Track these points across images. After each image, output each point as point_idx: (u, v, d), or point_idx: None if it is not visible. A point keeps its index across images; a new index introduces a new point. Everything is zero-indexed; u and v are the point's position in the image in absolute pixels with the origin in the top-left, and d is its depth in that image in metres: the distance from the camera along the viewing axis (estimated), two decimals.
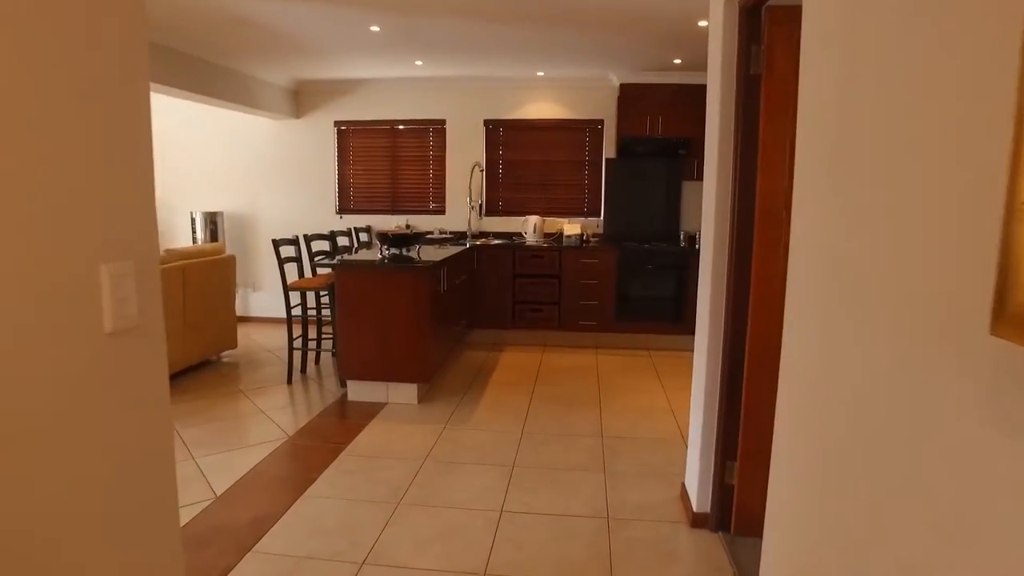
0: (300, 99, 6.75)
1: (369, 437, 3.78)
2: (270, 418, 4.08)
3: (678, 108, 5.87)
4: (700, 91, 6.15)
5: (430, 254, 4.99)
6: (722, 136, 2.65)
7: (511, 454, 3.55)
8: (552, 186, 6.57)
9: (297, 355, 5.07)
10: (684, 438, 3.84)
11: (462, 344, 6.04)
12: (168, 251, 4.81)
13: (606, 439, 3.80)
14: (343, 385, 4.64)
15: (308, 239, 5.19)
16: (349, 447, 3.63)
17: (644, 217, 6.43)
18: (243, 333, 6.44)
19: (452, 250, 5.27)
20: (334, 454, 3.53)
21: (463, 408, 4.30)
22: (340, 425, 3.98)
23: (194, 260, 4.99)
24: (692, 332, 6.10)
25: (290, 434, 3.82)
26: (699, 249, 5.52)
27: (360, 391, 4.42)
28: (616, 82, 6.10)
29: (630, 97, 5.92)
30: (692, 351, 5.94)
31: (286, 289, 4.76)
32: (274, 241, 4.67)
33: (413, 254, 4.87)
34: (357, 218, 6.82)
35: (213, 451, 3.55)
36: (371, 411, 4.22)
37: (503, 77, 6.33)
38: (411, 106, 6.62)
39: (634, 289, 5.92)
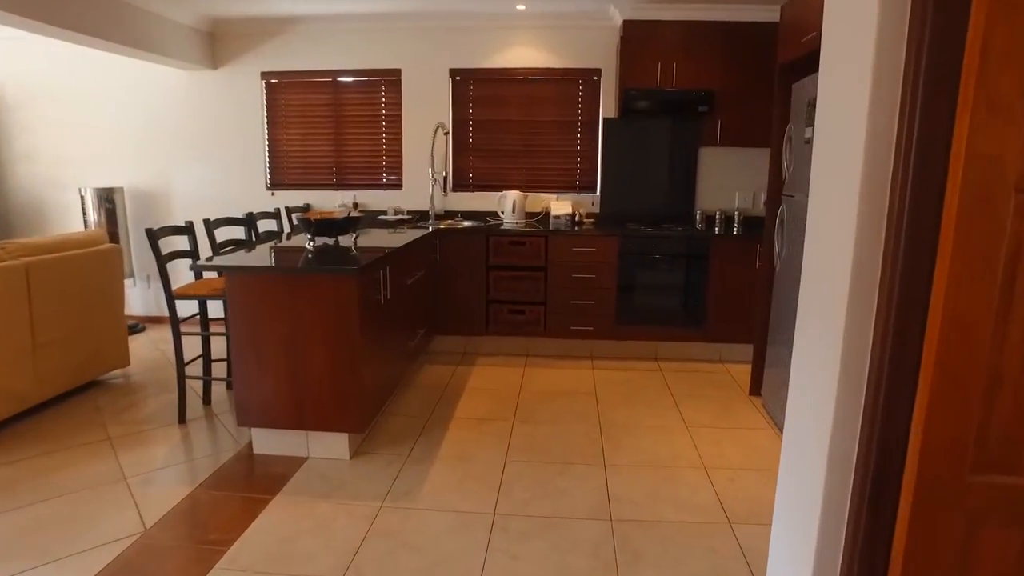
0: (217, 44, 5.34)
1: (266, 529, 2.53)
2: (131, 492, 2.81)
3: (697, 52, 4.57)
4: (727, 30, 4.56)
5: (378, 241, 3.69)
6: (879, 42, 1.38)
7: (477, 561, 2.33)
8: (536, 153, 5.27)
9: (197, 383, 3.81)
10: (729, 520, 2.64)
11: (420, 359, 4.77)
12: (2, 245, 3.46)
13: (617, 525, 2.59)
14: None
15: (210, 225, 3.86)
16: (230, 553, 2.38)
17: (652, 193, 5.16)
18: (151, 341, 5.12)
19: (406, 237, 3.98)
20: (202, 570, 2.28)
21: (413, 467, 3.06)
22: (229, 505, 2.72)
23: (50, 255, 3.65)
24: (712, 339, 4.88)
25: (148, 525, 2.56)
26: (717, 233, 4.19)
27: (270, 441, 3.16)
28: (618, 19, 4.77)
29: (636, 39, 4.61)
30: (712, 361, 4.74)
31: (170, 298, 3.45)
32: (149, 231, 3.34)
33: (350, 244, 3.57)
34: (293, 195, 5.48)
35: (10, 565, 2.28)
36: (282, 473, 2.97)
37: (474, 13, 4.97)
38: (358, 52, 5.24)
39: (639, 285, 4.68)
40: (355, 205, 5.38)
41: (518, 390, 4.14)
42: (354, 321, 2.93)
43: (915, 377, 1.40)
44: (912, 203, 1.33)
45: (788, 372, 3.43)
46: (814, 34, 3.04)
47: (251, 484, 2.87)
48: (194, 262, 3.17)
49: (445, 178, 5.31)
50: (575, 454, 3.23)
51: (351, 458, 3.14)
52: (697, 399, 4.00)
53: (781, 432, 3.50)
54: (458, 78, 5.22)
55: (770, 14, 4.43)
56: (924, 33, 1.31)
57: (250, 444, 3.23)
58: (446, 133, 5.25)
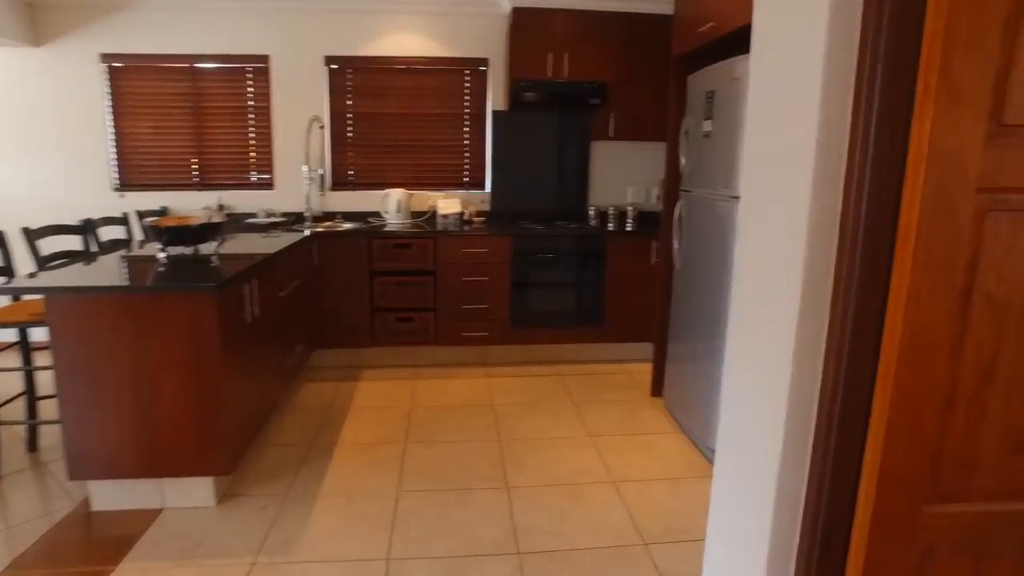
0: (38, 15, 4.56)
1: None
2: None
3: (589, 43, 4.41)
4: (620, 20, 4.33)
5: (245, 248, 3.22)
6: (831, 25, 1.19)
7: None
8: (421, 149, 4.93)
9: (19, 428, 3.16)
10: (644, 540, 2.46)
11: (299, 378, 4.32)
12: None
13: (527, 559, 2.34)
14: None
15: (32, 235, 3.22)
16: None
17: (544, 189, 4.97)
18: None
19: (279, 242, 3.53)
20: None
21: (293, 508, 2.66)
22: None
23: None
24: (611, 339, 4.67)
25: None
26: (612, 229, 4.04)
27: (113, 494, 2.64)
28: (507, 6, 4.52)
29: (526, 27, 4.38)
30: (612, 362, 4.62)
31: None
32: None
33: (211, 253, 3.09)
34: (148, 197, 4.81)
35: None
36: (128, 534, 2.48)
37: None
38: (219, 36, 4.67)
39: (534, 285, 4.47)
40: (220, 207, 4.80)
41: (409, 406, 3.80)
42: (214, 345, 2.48)
43: (868, 402, 1.24)
44: (869, 207, 1.15)
45: (689, 370, 3.33)
46: (712, 24, 2.93)
47: (87, 553, 2.36)
48: (7, 280, 2.59)
49: (322, 176, 4.85)
50: (475, 477, 2.95)
51: (217, 504, 2.68)
52: (599, 404, 3.84)
53: (685, 435, 3.40)
54: (334, 66, 4.78)
55: (665, 5, 4.34)
56: (882, 16, 1.13)
57: (87, 500, 2.69)
58: (322, 127, 4.79)
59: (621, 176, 5.01)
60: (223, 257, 3.02)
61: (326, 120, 4.81)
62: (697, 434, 3.23)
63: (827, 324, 1.24)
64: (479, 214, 4.87)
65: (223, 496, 2.74)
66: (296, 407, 3.77)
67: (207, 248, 3.20)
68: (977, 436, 1.25)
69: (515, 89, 4.46)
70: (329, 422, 3.55)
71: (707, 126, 3.08)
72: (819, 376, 1.27)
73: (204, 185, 4.85)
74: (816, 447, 1.29)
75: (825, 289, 1.23)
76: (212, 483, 2.66)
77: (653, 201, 5.02)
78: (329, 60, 4.75)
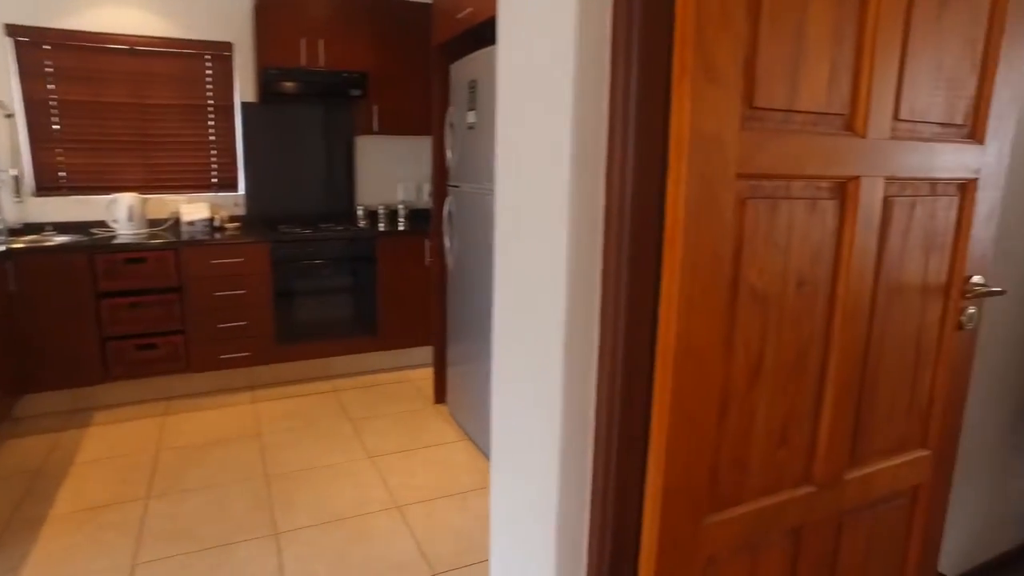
0: None
1: None
2: None
3: (346, 29, 4.07)
4: (378, 6, 3.97)
5: None
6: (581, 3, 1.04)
7: None
8: (157, 145, 4.21)
9: None
10: (434, 570, 2.25)
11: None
12: None
13: None
14: None
15: None
16: None
17: (307, 189, 4.53)
18: None
19: None
20: None
21: None
22: None
23: None
24: (388, 346, 4.25)
25: None
26: (383, 230, 3.82)
27: None
28: None
29: (274, 10, 3.90)
30: (392, 370, 4.36)
31: None
32: None
33: None
34: None
35: None
36: None
37: None
38: None
39: (301, 295, 4.04)
40: None
41: (155, 450, 3.19)
42: None
43: (647, 415, 1.12)
44: (635, 200, 1.02)
45: (469, 372, 3.18)
46: (470, 10, 2.78)
47: None
48: None
49: (17, 178, 3.91)
50: (237, 528, 2.51)
51: None
52: (380, 419, 3.56)
53: (471, 441, 3.26)
54: (23, 39, 3.86)
55: None
56: None
57: None
58: (9, 115, 3.85)
59: (390, 173, 4.75)
60: None
61: (16, 107, 3.88)
62: (482, 440, 3.10)
63: (598, 334, 1.10)
64: (232, 219, 4.29)
65: None
66: None
67: None
68: (749, 436, 1.21)
69: (265, 78, 3.97)
70: (39, 487, 2.83)
71: (471, 117, 2.94)
72: (593, 393, 1.13)
73: None
74: (596, 472, 1.15)
75: (592, 297, 1.09)
76: None
77: (425, 198, 4.84)
78: (12, 30, 3.83)
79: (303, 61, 3.99)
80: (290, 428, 3.45)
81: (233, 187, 4.37)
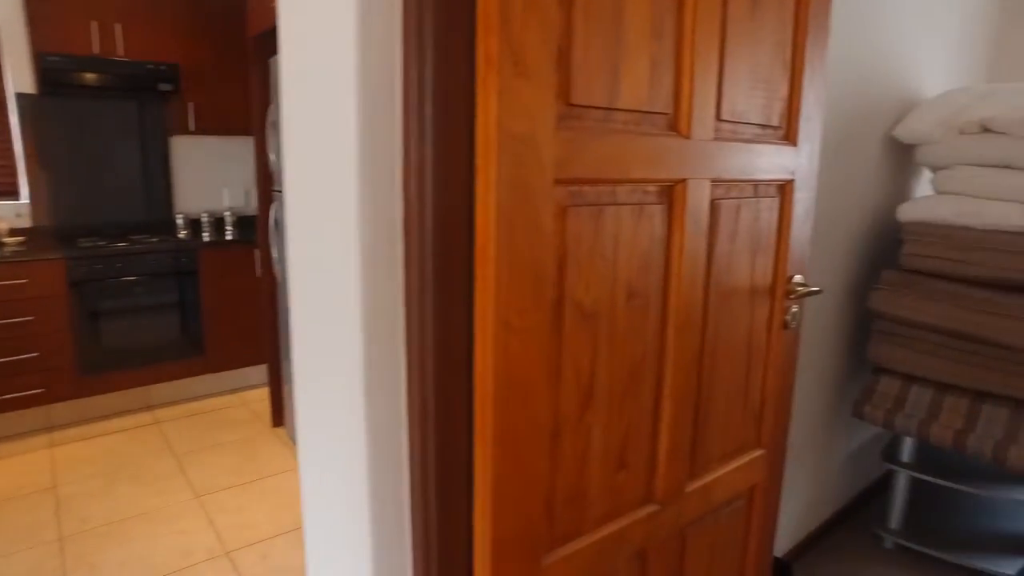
0: None
1: None
2: None
3: (151, 14, 3.59)
4: None
5: None
6: None
7: None
8: None
9: None
10: None
11: None
12: None
13: None
14: None
15: None
16: None
17: (115, 196, 3.97)
18: None
19: None
20: None
21: None
22: None
23: None
24: (218, 367, 3.85)
25: None
26: (207, 240, 3.50)
27: None
28: None
29: None
30: (224, 394, 3.94)
31: None
32: None
33: None
34: None
35: None
36: None
37: None
38: None
39: (110, 317, 3.53)
40: None
41: None
42: None
43: (469, 460, 0.98)
44: (438, 213, 0.87)
45: None
46: None
47: None
48: None
49: None
50: None
51: None
52: (210, 451, 3.18)
53: None
54: None
55: None
56: None
57: None
58: None
59: (214, 177, 4.30)
60: None
61: None
62: None
63: (405, 376, 0.94)
64: (15, 232, 3.65)
65: None
66: None
67: None
68: (586, 464, 1.11)
69: (45, 65, 3.41)
70: None
71: None
72: (404, 439, 0.97)
73: None
74: (416, 538, 0.99)
75: (396, 328, 0.94)
76: None
77: (254, 204, 4.43)
78: None
79: (96, 48, 3.47)
80: (96, 473, 2.98)
81: (15, 195, 3.73)
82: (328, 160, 0.93)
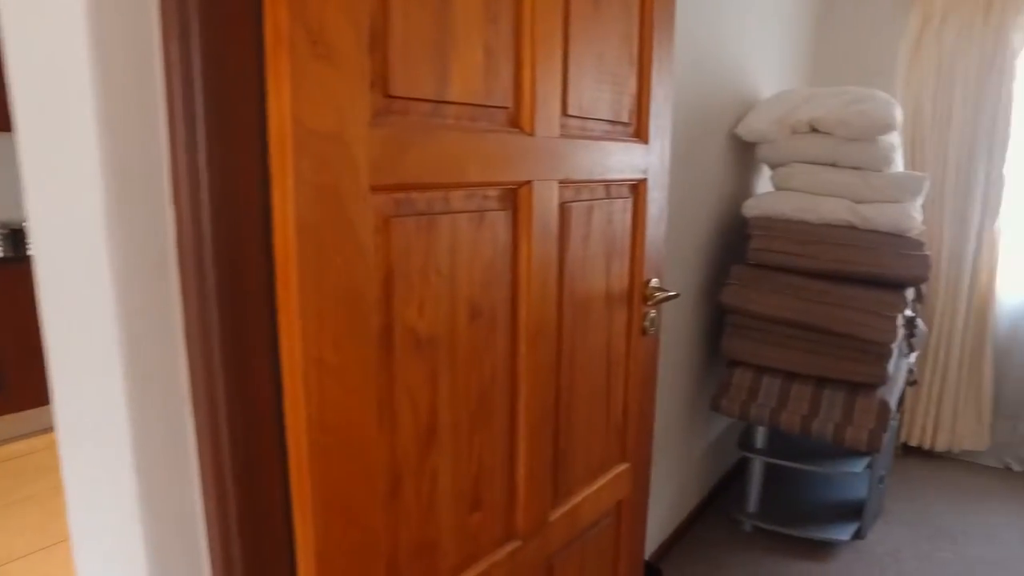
0: None
1: None
2: None
3: None
4: None
5: None
6: None
7: None
8: None
9: None
10: None
11: None
12: None
13: None
14: None
15: None
16: None
17: None
18: None
19: None
20: None
21: None
22: None
23: None
24: (22, 405, 3.31)
25: None
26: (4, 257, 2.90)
27: None
28: None
29: None
30: (29, 437, 3.39)
31: None
32: None
33: None
34: None
35: None
36: None
37: None
38: None
39: None
40: None
41: None
42: None
43: (288, 529, 0.80)
44: (219, 233, 0.68)
45: None
46: None
47: None
48: None
49: None
50: None
51: None
52: (10, 508, 2.69)
53: None
54: None
55: None
56: None
57: None
58: None
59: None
60: None
61: None
62: None
63: (193, 434, 0.74)
64: None
65: None
66: None
67: None
68: (434, 511, 0.96)
69: None
70: None
71: None
72: (199, 513, 0.77)
73: None
74: None
75: (175, 390, 0.73)
76: None
77: None
78: None
79: None
80: None
81: None
82: (67, 179, 0.70)
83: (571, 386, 1.22)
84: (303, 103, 0.69)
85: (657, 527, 2.27)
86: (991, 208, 2.94)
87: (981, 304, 3.02)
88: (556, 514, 1.24)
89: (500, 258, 0.99)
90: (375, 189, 0.78)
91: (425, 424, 0.91)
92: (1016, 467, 3.07)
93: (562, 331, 1.16)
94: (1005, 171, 2.89)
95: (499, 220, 0.99)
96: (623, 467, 1.45)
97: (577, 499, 1.30)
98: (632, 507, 1.52)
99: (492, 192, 0.97)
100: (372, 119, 0.77)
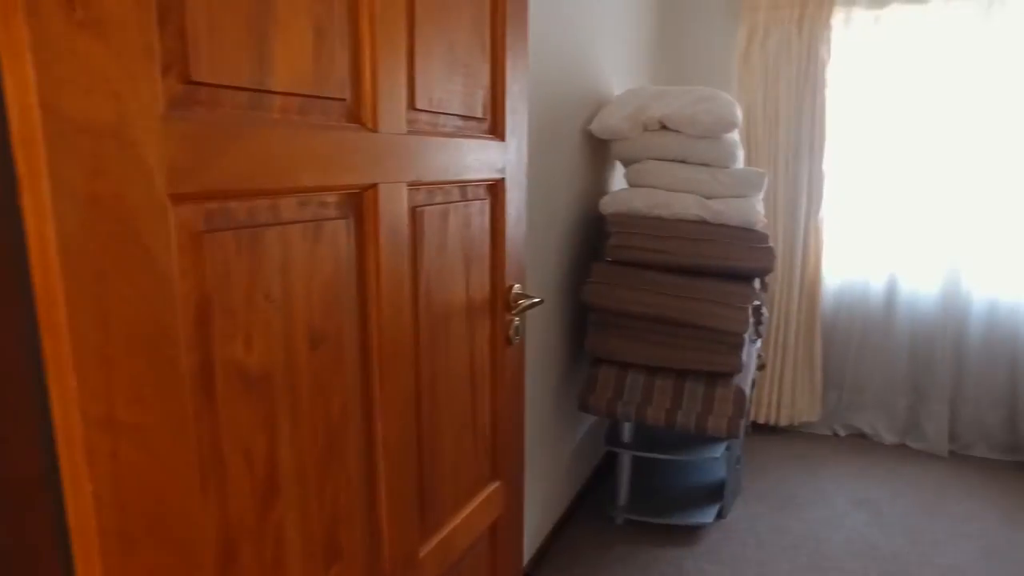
0: None
1: None
2: None
3: None
4: None
5: None
6: None
7: None
8: None
9: None
10: None
11: None
12: None
13: None
14: None
15: None
16: None
17: None
18: None
19: None
20: None
21: None
22: None
23: None
24: None
25: None
26: None
27: None
28: None
29: None
30: None
31: None
32: None
33: None
34: None
35: None
36: None
37: None
38: None
39: None
40: None
41: None
42: None
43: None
44: None
45: None
46: None
47: None
48: None
49: None
50: None
51: None
52: None
53: None
54: None
55: None
56: None
57: None
58: None
59: None
60: None
61: None
62: None
63: None
64: None
65: None
66: None
67: None
68: (283, 572, 0.81)
69: None
70: None
71: None
72: None
73: None
74: None
75: None
76: None
77: None
78: None
79: None
80: None
81: None
82: None
83: (434, 410, 1.11)
84: (59, 86, 0.53)
85: (532, 535, 2.22)
86: (815, 201, 3.21)
87: (811, 288, 3.28)
88: (426, 549, 1.13)
89: (344, 275, 0.86)
90: (177, 199, 0.62)
91: (263, 477, 0.76)
92: (841, 432, 3.38)
93: (420, 351, 1.05)
94: (824, 167, 3.17)
95: (340, 231, 0.86)
96: (495, 486, 1.36)
97: (449, 527, 1.20)
98: (507, 526, 1.44)
99: (330, 198, 0.84)
100: (167, 111, 0.61)
